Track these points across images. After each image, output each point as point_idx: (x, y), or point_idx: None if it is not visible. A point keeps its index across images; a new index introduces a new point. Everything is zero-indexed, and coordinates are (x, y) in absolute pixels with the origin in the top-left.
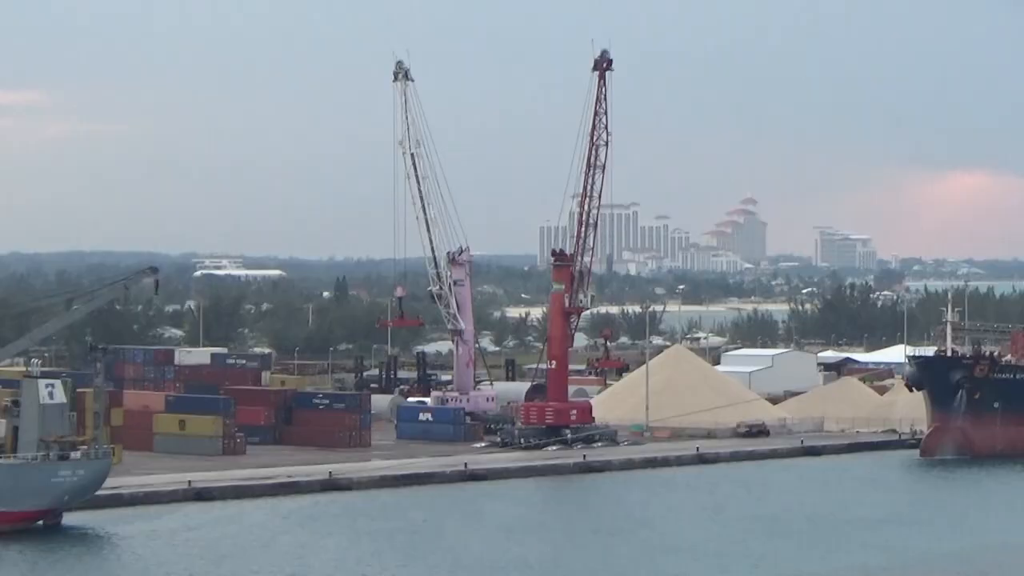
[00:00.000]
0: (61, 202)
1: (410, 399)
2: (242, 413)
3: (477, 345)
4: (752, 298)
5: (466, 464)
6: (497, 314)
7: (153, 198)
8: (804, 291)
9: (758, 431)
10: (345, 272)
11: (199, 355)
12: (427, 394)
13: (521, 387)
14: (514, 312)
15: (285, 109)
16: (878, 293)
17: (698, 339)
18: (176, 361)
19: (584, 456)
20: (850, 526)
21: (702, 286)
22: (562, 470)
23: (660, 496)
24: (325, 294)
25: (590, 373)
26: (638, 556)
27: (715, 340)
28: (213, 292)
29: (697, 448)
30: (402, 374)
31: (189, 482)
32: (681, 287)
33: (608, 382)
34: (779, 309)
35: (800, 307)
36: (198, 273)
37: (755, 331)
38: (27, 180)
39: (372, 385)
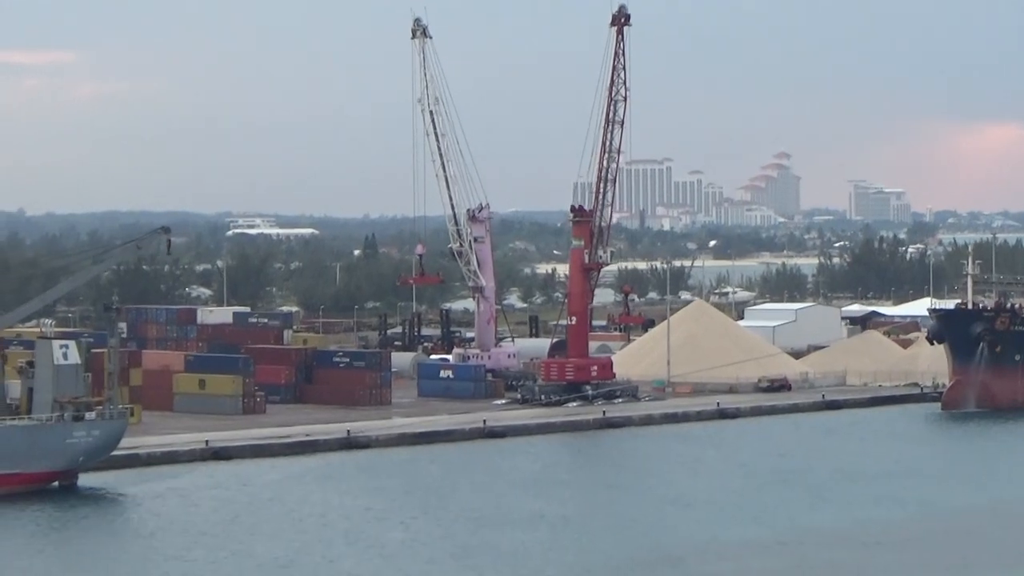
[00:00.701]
0: (96, 163)
1: (432, 357)
2: (262, 372)
3: (500, 305)
4: (784, 252)
5: (485, 421)
6: (528, 271)
7: (187, 158)
8: (836, 245)
9: (779, 386)
10: (379, 230)
11: (221, 314)
12: (451, 351)
13: (544, 344)
14: (544, 268)
15: (319, 67)
16: (909, 247)
17: (726, 294)
18: (198, 320)
19: (604, 412)
20: (868, 479)
21: (734, 241)
22: (582, 426)
23: (678, 451)
24: (356, 252)
25: (614, 329)
26: (648, 509)
27: (743, 295)
28: (242, 251)
29: (717, 403)
30: (427, 331)
31: (207, 442)
32: (713, 242)
33: (631, 338)
34: (808, 263)
35: (829, 261)
36: (231, 232)
37: (784, 286)
38: (60, 141)
39: (395, 343)
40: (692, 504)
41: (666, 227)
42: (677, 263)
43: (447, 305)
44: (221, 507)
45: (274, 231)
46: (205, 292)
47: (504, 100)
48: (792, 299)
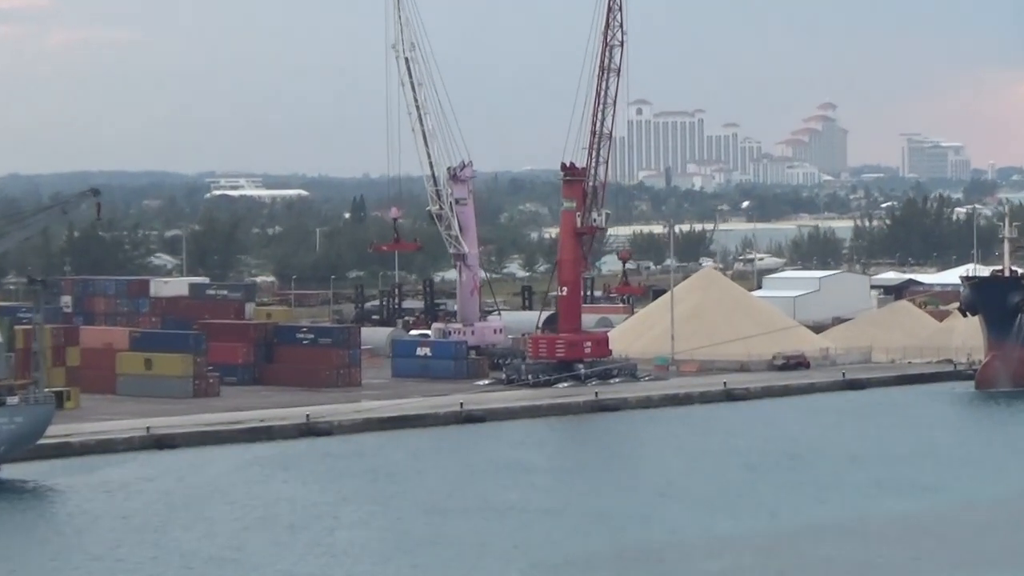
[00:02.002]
0: (66, 118)
1: (412, 332)
2: (217, 350)
3: (490, 275)
4: (825, 214)
5: (462, 404)
6: (535, 235)
7: (168, 113)
8: (883, 205)
9: (796, 363)
10: (378, 191)
11: (176, 286)
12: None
13: (536, 317)
14: (552, 233)
15: (311, 10)
16: (963, 207)
17: (751, 260)
18: (151, 293)
19: (596, 394)
20: (878, 466)
21: (769, 202)
22: (571, 409)
23: (674, 436)
24: (346, 215)
25: (620, 301)
26: (632, 500)
27: (771, 261)
28: (211, 216)
29: (724, 383)
30: (410, 304)
31: (148, 428)
32: (746, 203)
33: (636, 310)
34: (844, 227)
35: (867, 224)
36: (211, 194)
37: (816, 251)
38: (29, 94)
39: (373, 317)
40: (680, 494)
41: (697, 186)
42: (701, 226)
43: (439, 275)
44: (157, 500)
45: (260, 193)
46: (171, 261)
47: (513, 48)
48: (825, 266)
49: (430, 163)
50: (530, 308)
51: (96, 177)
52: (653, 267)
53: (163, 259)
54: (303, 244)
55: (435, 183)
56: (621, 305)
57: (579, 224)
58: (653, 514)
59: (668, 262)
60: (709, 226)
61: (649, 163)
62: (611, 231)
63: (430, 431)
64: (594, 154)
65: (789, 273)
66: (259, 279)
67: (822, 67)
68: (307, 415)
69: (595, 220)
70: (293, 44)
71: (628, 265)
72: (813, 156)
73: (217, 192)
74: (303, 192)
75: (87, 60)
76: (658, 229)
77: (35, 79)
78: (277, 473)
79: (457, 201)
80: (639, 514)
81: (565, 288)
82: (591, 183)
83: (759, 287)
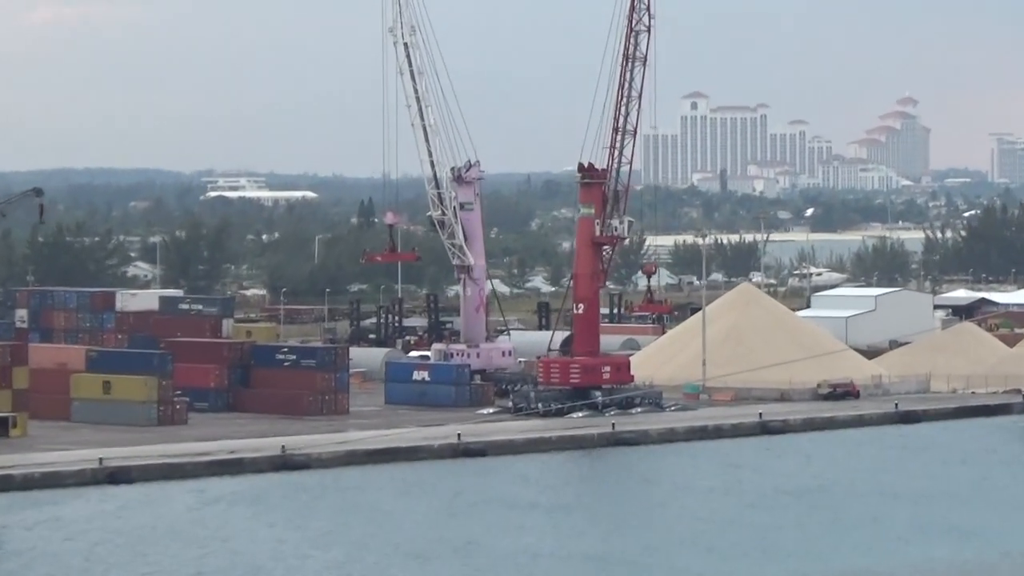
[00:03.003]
0: (48, 107)
1: (412, 353)
2: (186, 372)
3: (508, 289)
4: (900, 224)
5: (460, 435)
6: (567, 245)
7: (165, 101)
8: (966, 214)
9: (844, 392)
10: (398, 192)
11: (145, 299)
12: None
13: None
14: None
15: None
16: None
17: (806, 276)
18: (117, 306)
19: (613, 425)
20: (926, 507)
21: (837, 209)
22: (584, 443)
23: (694, 473)
24: (354, 220)
25: (648, 319)
26: (632, 546)
27: (830, 277)
28: (199, 220)
29: (760, 414)
30: (413, 322)
31: (100, 460)
32: (810, 210)
33: (668, 330)
34: (916, 238)
35: (939, 235)
36: (207, 196)
37: (882, 265)
38: (7, 79)
39: (370, 336)
40: (694, 538)
41: (758, 190)
42: (754, 237)
43: (453, 289)
44: (103, 541)
45: (262, 194)
46: (146, 271)
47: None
48: (891, 283)
49: (431, 162)
50: (547, 327)
51: (78, 175)
52: (697, 282)
53: (142, 268)
54: (301, 253)
55: (436, 185)
56: (651, 325)
57: (598, 233)
58: (660, 562)
59: (716, 276)
60: (774, 236)
61: (704, 164)
62: (650, 240)
63: (422, 465)
64: (616, 154)
65: (842, 290)
66: (250, 292)
67: (902, 57)
68: (283, 446)
69: (616, 229)
70: (304, 31)
71: (668, 280)
72: (890, 158)
73: (213, 193)
74: (309, 194)
75: (71, 41)
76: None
77: (13, 61)
78: (242, 510)
79: (462, 206)
80: (644, 561)
81: (581, 305)
82: (612, 186)
83: (808, 306)
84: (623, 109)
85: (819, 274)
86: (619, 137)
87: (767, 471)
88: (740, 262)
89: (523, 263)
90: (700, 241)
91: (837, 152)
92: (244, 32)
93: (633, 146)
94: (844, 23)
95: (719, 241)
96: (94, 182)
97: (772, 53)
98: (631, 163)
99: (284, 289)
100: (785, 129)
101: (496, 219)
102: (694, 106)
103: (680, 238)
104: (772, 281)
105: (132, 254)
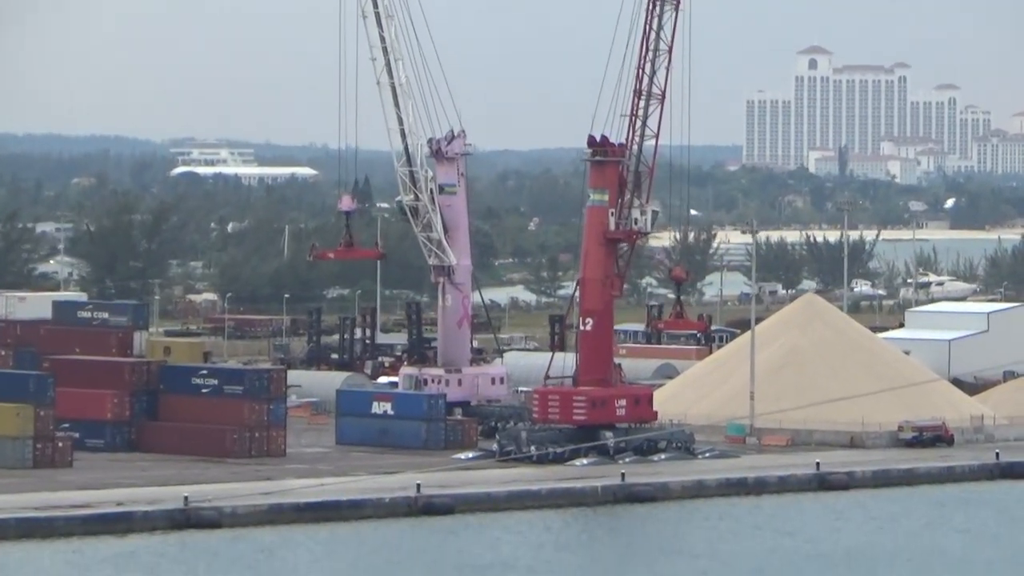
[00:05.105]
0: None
1: (381, 379)
2: (77, 400)
3: (478, 294)
4: None
5: (419, 487)
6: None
7: (139, 60)
8: None
9: (934, 437)
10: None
11: (36, 304)
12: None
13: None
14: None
15: None
16: None
17: (927, 285)
18: (1, 313)
19: (623, 476)
20: None
21: (986, 199)
22: (584, 499)
23: (717, 540)
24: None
25: (682, 339)
26: None
27: (954, 287)
28: (128, 204)
29: (817, 464)
30: (393, 339)
31: None
32: (951, 200)
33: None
34: None
35: None
36: (177, 171)
37: (1021, 273)
38: None
39: (333, 356)
40: None
41: (895, 173)
42: (878, 234)
43: (480, 293)
44: None
45: (246, 170)
46: (70, 269)
47: None
48: None
49: (402, 132)
50: (563, 348)
51: (18, 143)
52: (783, 291)
53: (66, 264)
54: (269, 248)
55: (408, 162)
56: (695, 347)
57: (612, 227)
58: None
59: (807, 282)
60: (900, 235)
61: (825, 139)
62: (723, 238)
63: (367, 525)
64: (637, 124)
65: (947, 305)
66: (202, 297)
67: None
68: (185, 497)
69: (636, 221)
70: None
71: (744, 288)
72: None
73: (187, 168)
74: (307, 170)
75: None
76: (792, 236)
77: None
78: None
79: (441, 189)
80: None
81: (590, 320)
82: (633, 166)
83: (902, 325)
84: (648, 67)
85: (940, 283)
86: (642, 103)
87: (816, 539)
88: (841, 266)
89: (555, 264)
90: (743, 235)
91: (997, 127)
92: None
93: (660, 114)
94: None
95: (813, 239)
96: (29, 152)
97: (914, 4)
98: (657, 136)
99: (229, 294)
100: (930, 96)
101: (541, 207)
102: (812, 64)
103: (773, 234)
104: (881, 292)
105: (60, 246)
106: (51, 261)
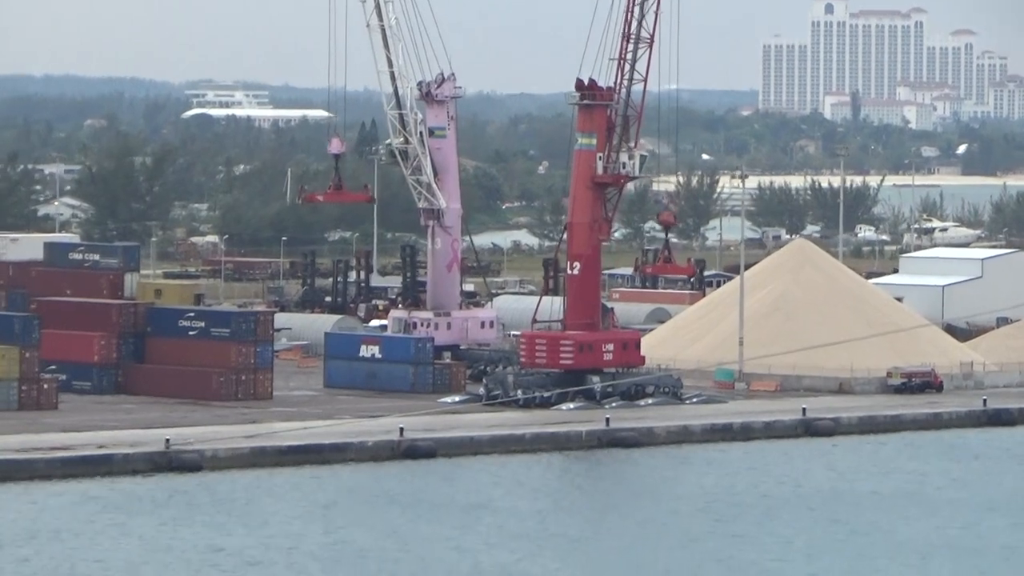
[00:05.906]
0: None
1: (372, 323)
2: (65, 342)
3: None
4: None
5: (402, 430)
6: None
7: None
8: None
9: (923, 383)
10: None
11: (28, 246)
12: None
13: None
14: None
15: None
16: None
17: (930, 231)
18: None
19: (608, 421)
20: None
21: (999, 146)
22: (567, 444)
23: (693, 486)
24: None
25: (684, 285)
26: None
27: (959, 233)
28: (130, 145)
29: (803, 409)
30: (387, 282)
31: None
32: (963, 146)
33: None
34: None
35: None
36: (191, 113)
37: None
38: None
39: (327, 299)
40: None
41: (910, 119)
42: (882, 179)
43: (469, 237)
44: None
45: (260, 112)
46: (74, 211)
47: None
48: None
49: (391, 75)
50: (556, 292)
51: (36, 84)
52: (786, 236)
53: (70, 205)
54: (273, 189)
55: (398, 105)
56: (688, 292)
57: (600, 171)
58: None
59: (810, 228)
60: (898, 179)
61: (842, 84)
62: (726, 183)
63: (348, 468)
64: (625, 68)
65: (941, 251)
66: (204, 239)
67: None
68: (167, 440)
69: (624, 166)
70: None
71: (750, 233)
72: None
73: (201, 110)
74: (319, 112)
75: None
76: (796, 182)
77: None
78: (91, 522)
79: (431, 132)
80: None
81: (577, 264)
82: (621, 110)
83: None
84: (636, 10)
85: (943, 229)
86: (630, 46)
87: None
88: (847, 213)
89: (559, 208)
90: (736, 180)
91: (1014, 72)
92: None
93: (648, 58)
94: None
95: (817, 185)
96: (45, 94)
97: None
98: (646, 80)
99: (226, 236)
100: (946, 41)
101: (551, 150)
102: (829, 9)
103: (785, 178)
104: (884, 237)
105: (68, 187)
106: (55, 203)
